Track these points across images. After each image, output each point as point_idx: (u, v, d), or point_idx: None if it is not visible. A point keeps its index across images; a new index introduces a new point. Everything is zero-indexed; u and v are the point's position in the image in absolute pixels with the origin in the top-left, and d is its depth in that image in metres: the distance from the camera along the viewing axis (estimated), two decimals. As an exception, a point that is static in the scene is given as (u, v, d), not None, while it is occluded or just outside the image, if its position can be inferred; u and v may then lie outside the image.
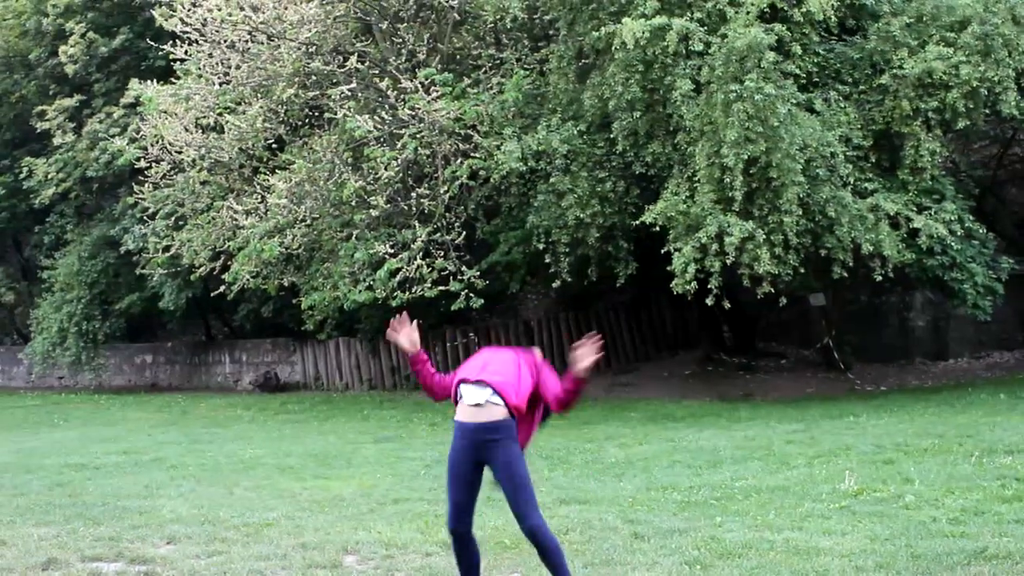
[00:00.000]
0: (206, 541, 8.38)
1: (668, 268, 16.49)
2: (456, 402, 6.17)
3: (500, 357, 6.23)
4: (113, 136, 23.91)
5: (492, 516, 8.99)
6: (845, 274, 16.90)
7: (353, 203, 19.20)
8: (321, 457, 14.02)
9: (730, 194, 15.82)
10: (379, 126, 18.68)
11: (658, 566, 7.07)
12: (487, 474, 6.10)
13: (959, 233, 17.32)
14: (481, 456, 5.94)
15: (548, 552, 5.99)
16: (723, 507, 9.21)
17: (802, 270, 16.79)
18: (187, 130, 21.24)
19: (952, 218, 17.14)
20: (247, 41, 20.48)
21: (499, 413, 5.93)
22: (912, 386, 19.74)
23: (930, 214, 17.09)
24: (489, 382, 5.97)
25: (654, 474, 11.29)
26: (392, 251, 18.60)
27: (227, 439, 16.77)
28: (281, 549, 7.99)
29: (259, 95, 20.80)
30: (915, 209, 17.05)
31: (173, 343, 32.16)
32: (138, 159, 22.00)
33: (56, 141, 26.48)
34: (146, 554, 7.90)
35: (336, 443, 15.64)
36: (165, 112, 21.38)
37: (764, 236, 15.89)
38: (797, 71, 16.75)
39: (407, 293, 18.48)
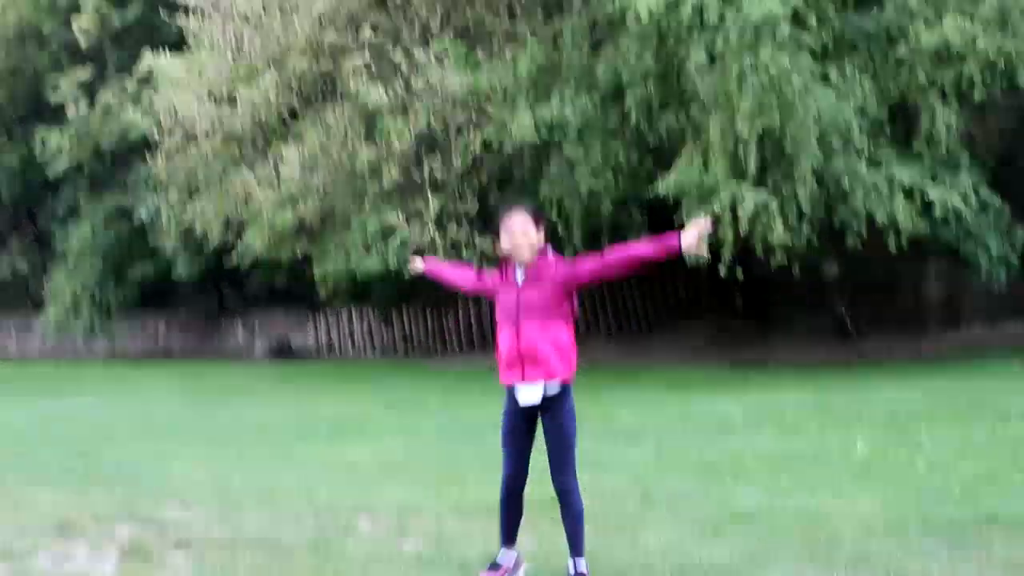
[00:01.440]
0: (219, 505, 8.41)
1: (681, 238, 16.42)
2: (487, 295, 6.22)
3: (535, 294, 5.92)
4: (126, 108, 23.92)
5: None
6: (859, 245, 16.86)
7: (366, 174, 19.19)
8: (334, 423, 14.06)
9: (744, 165, 15.77)
10: (392, 97, 18.64)
11: (669, 531, 7.08)
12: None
13: (974, 204, 17.25)
14: (536, 416, 5.95)
15: (571, 515, 6.02)
16: (735, 473, 9.22)
17: (816, 240, 16.74)
18: (200, 102, 21.22)
19: (967, 189, 17.06)
20: (259, 13, 20.44)
21: (553, 389, 5.90)
22: (925, 354, 19.71)
23: (945, 185, 17.01)
24: (539, 376, 5.84)
25: (666, 440, 11.29)
26: (404, 221, 18.60)
27: (240, 405, 16.84)
28: (293, 512, 8.02)
29: (272, 67, 20.77)
30: (930, 180, 16.98)
31: (186, 311, 32.24)
32: (151, 131, 22.01)
33: (69, 113, 26.52)
34: (160, 517, 7.94)
35: (349, 409, 15.69)
36: (178, 84, 21.37)
37: (778, 207, 15.84)
38: (812, 43, 16.63)
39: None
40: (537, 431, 6.00)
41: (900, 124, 17.65)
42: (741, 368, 19.19)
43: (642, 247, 5.79)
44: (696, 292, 24.34)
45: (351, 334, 26.83)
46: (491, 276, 6.22)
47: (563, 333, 5.91)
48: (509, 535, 6.12)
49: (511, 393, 5.96)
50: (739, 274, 16.49)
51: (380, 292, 25.05)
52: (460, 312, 25.06)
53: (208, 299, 32.11)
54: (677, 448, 10.63)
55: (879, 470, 8.95)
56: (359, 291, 24.51)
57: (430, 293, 24.50)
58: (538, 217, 6.01)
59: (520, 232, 5.92)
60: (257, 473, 9.96)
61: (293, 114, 21.65)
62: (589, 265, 5.90)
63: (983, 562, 5.82)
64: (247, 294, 30.87)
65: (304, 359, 26.77)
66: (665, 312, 24.62)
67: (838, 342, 21.19)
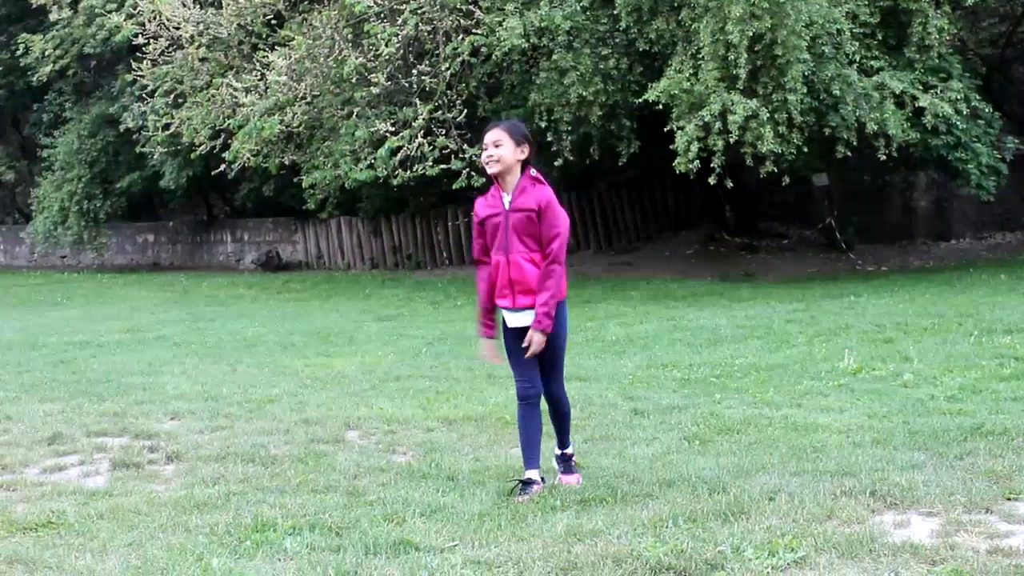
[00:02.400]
0: (209, 417, 8.45)
1: (671, 147, 16.39)
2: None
3: (522, 217, 5.95)
4: (110, 12, 23.54)
5: (494, 393, 9.08)
6: (849, 153, 16.82)
7: (354, 80, 18.99)
8: (323, 335, 14.10)
9: (734, 72, 15.64)
10: (379, 1, 18.40)
11: (657, 441, 7.14)
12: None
13: (965, 112, 17.18)
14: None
15: (560, 415, 6.27)
16: (722, 384, 9.28)
17: (805, 149, 16.68)
18: (185, 5, 20.92)
19: (958, 97, 16.98)
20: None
21: None
22: (913, 266, 19.76)
23: (936, 93, 16.93)
24: (528, 303, 5.91)
25: (654, 352, 11.35)
26: (393, 129, 18.46)
27: (229, 317, 16.86)
28: (284, 424, 8.07)
29: (257, -32, 20.46)
30: (921, 88, 16.89)
31: (175, 222, 32.13)
32: (136, 35, 21.71)
33: (52, 17, 26.08)
34: (150, 429, 7.98)
35: (338, 321, 15.72)
36: (162, -14, 21.06)
37: (768, 115, 15.76)
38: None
39: (408, 172, 18.39)
40: None
41: (892, 30, 17.50)
42: (730, 281, 19.24)
43: (540, 292, 5.88)
44: (686, 205, 24.32)
45: (340, 245, 26.77)
46: (480, 210, 6.16)
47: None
48: (533, 456, 6.13)
49: (504, 323, 6.13)
50: (728, 184, 16.44)
51: (369, 202, 24.97)
52: (450, 223, 25.00)
53: (196, 210, 31.99)
54: (665, 360, 10.69)
55: (866, 382, 9.01)
56: (348, 201, 24.43)
57: (419, 203, 24.45)
58: (518, 135, 6.00)
59: (491, 143, 5.96)
60: (247, 385, 10.00)
61: (279, 18, 21.36)
62: (548, 235, 5.93)
63: (968, 472, 5.87)
64: (235, 205, 30.76)
65: (293, 271, 26.76)
66: (654, 225, 24.61)
67: (827, 254, 21.23)
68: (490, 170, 6.00)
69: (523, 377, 6.06)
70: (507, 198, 6.01)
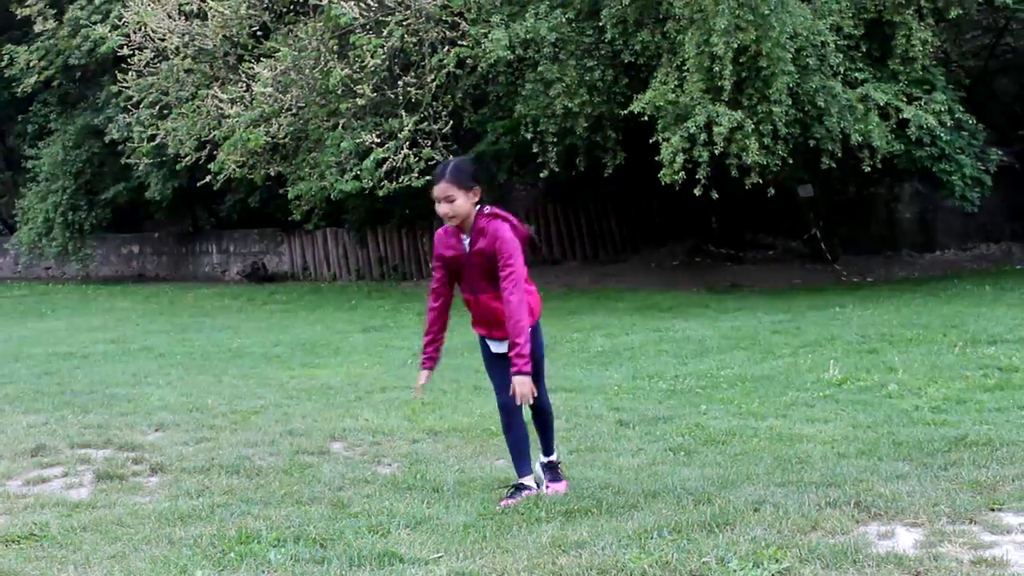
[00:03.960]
0: (194, 428, 8.43)
1: (656, 158, 16.41)
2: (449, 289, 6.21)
3: (483, 259, 5.94)
4: (95, 23, 23.54)
5: (479, 404, 9.07)
6: (834, 165, 16.86)
7: (339, 92, 18.99)
8: (309, 346, 14.08)
9: (719, 83, 15.68)
10: (365, 13, 18.40)
11: (643, 452, 7.14)
12: None
13: (948, 124, 17.25)
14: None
15: (543, 420, 6.30)
16: (708, 395, 9.29)
17: (790, 161, 16.73)
18: (170, 17, 20.88)
19: (942, 108, 17.05)
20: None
21: None
22: (898, 277, 19.81)
23: (920, 104, 16.99)
24: (503, 335, 5.93)
25: (640, 363, 11.36)
26: (379, 140, 18.45)
27: (215, 328, 16.82)
28: (269, 436, 8.05)
29: (243, -20, 20.45)
30: (905, 99, 16.95)
31: (160, 233, 32.04)
32: (121, 46, 21.69)
33: (37, 28, 26.02)
34: (135, 441, 7.95)
35: (324, 332, 15.70)
36: (147, -3, 21.05)
37: (753, 126, 15.79)
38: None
39: (394, 183, 18.39)
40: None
41: (876, 42, 17.57)
42: (716, 291, 19.26)
43: (507, 321, 5.82)
44: (672, 216, 24.33)
45: (326, 256, 26.73)
46: (440, 247, 6.12)
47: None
48: (524, 463, 6.17)
49: (482, 338, 6.23)
50: (714, 195, 16.46)
51: (355, 213, 24.94)
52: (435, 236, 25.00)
53: (182, 221, 31.90)
54: (651, 371, 10.70)
55: (851, 392, 9.04)
56: (334, 212, 24.40)
57: (405, 215, 24.43)
58: (466, 181, 5.88)
59: (442, 198, 5.88)
60: (232, 397, 9.98)
61: (265, 30, 21.36)
62: (500, 272, 5.86)
63: (952, 483, 5.88)
64: (221, 216, 30.69)
65: (279, 282, 26.70)
66: (640, 236, 24.62)
67: (812, 265, 21.27)
68: (452, 223, 5.96)
69: (503, 388, 6.04)
70: (466, 239, 5.99)
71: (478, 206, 5.95)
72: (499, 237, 5.87)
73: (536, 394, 5.88)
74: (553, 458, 6.34)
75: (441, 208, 5.89)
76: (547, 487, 6.20)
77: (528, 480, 6.13)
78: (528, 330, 5.83)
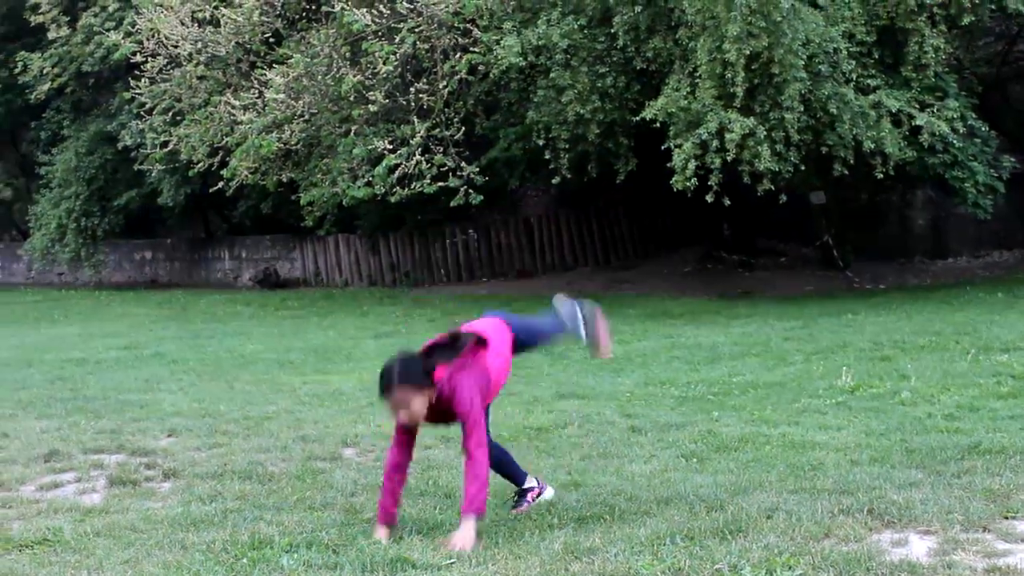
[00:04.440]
0: (207, 434, 8.44)
1: (668, 165, 16.40)
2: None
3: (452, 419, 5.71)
4: (108, 30, 23.61)
5: (490, 411, 9.05)
6: (846, 172, 16.82)
7: (351, 98, 19.03)
8: (321, 352, 14.09)
9: (731, 90, 15.67)
10: (377, 20, 18.44)
11: (655, 459, 7.13)
12: None
13: (961, 131, 17.20)
14: None
15: (502, 465, 6.15)
16: (720, 402, 9.28)
17: (803, 167, 16.70)
18: (183, 24, 20.96)
19: (955, 115, 17.00)
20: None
21: None
22: (911, 284, 19.77)
23: (932, 111, 16.95)
24: None
25: (652, 370, 11.35)
26: (391, 147, 18.48)
27: (227, 334, 16.84)
28: (281, 441, 8.06)
29: (254, -13, 20.51)
30: (917, 106, 16.91)
31: (172, 240, 32.12)
32: (134, 53, 21.76)
33: (50, 35, 26.15)
34: (147, 446, 7.97)
35: (336, 338, 15.71)
36: (160, 5, 21.11)
37: (765, 133, 15.78)
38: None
39: (406, 189, 18.42)
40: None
41: (888, 48, 17.54)
42: (728, 298, 19.24)
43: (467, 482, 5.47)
44: (684, 223, 24.32)
45: (338, 263, 26.75)
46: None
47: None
48: (516, 472, 6.18)
49: None
50: (726, 201, 16.44)
51: (367, 219, 24.97)
52: (448, 241, 25.02)
53: (194, 227, 31.97)
54: (663, 378, 10.68)
55: (864, 399, 9.01)
56: (346, 218, 24.44)
57: (417, 221, 24.46)
58: (416, 380, 5.51)
59: (399, 409, 5.57)
60: (244, 402, 9.99)
61: (277, 36, 21.42)
62: (462, 422, 5.56)
63: (965, 491, 5.86)
64: (233, 222, 30.75)
65: (291, 288, 26.74)
66: (652, 242, 24.62)
67: (824, 272, 21.23)
68: (417, 423, 5.66)
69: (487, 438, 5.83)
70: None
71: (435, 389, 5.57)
72: (456, 397, 5.55)
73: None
74: (525, 485, 6.18)
75: (400, 416, 5.57)
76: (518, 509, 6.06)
77: (528, 482, 6.18)
78: (482, 503, 5.45)
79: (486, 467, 5.52)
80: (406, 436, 5.75)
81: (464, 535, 5.30)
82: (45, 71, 26.35)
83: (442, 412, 5.63)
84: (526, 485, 6.18)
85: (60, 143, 29.42)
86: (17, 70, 27.00)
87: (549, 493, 6.25)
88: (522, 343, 6.13)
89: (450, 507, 6.07)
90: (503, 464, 6.17)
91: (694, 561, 4.82)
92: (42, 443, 8.10)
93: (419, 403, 5.52)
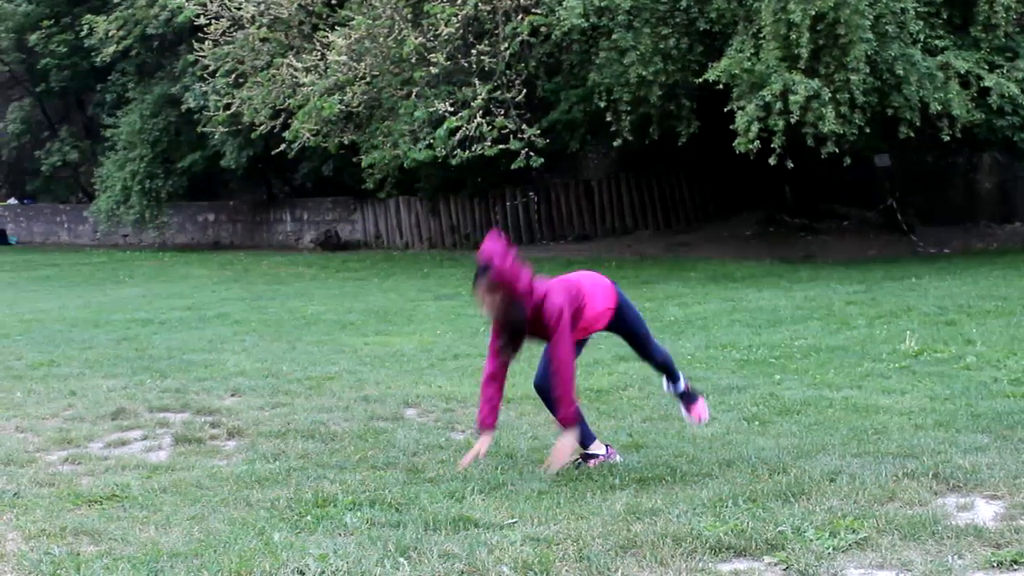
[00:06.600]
0: (270, 393, 8.52)
1: (731, 127, 16.28)
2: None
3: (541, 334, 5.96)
4: (172, -8, 23.76)
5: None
6: (912, 134, 16.60)
7: (413, 60, 19.05)
8: (382, 314, 14.16)
9: (796, 51, 15.51)
10: (440, -19, 18.41)
11: (716, 422, 7.11)
12: None
13: (1031, 92, 16.92)
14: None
15: (663, 365, 6.49)
16: (782, 366, 9.22)
17: (867, 130, 16.50)
18: (246, -14, 21.08)
19: (1025, 77, 16.73)
20: None
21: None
22: (976, 249, 19.51)
23: (1002, 72, 16.68)
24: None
25: (713, 333, 11.30)
26: (452, 109, 18.49)
27: (289, 296, 16.97)
28: (343, 402, 8.12)
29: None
30: (987, 67, 16.65)
31: (235, 202, 32.38)
32: (197, 16, 21.91)
33: (115, -2, 26.39)
34: (212, 405, 8.06)
35: (397, 300, 15.78)
36: (223, -33, 21.23)
37: (830, 95, 15.60)
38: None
39: (466, 152, 18.42)
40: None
41: (957, 8, 17.25)
42: (790, 262, 19.09)
43: (555, 392, 5.84)
44: (745, 185, 24.11)
45: (399, 225, 26.83)
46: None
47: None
48: (586, 434, 6.19)
49: None
50: (789, 164, 16.30)
51: (427, 182, 24.99)
52: (508, 203, 24.99)
53: (256, 190, 32.20)
54: (724, 341, 10.63)
55: (928, 364, 8.91)
56: (406, 180, 24.48)
57: (477, 183, 24.45)
58: (498, 281, 5.76)
59: (482, 304, 5.92)
60: (306, 363, 10.08)
61: (340, -2, 21.46)
62: (551, 338, 5.83)
63: (1032, 457, 5.80)
64: (295, 184, 30.92)
65: (352, 250, 26.87)
66: (713, 205, 24.46)
67: (888, 236, 20.99)
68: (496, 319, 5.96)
69: (539, 370, 6.13)
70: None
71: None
72: (546, 305, 5.81)
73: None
74: (680, 385, 6.50)
75: (481, 311, 6.03)
76: (690, 414, 6.50)
77: (595, 448, 6.19)
78: (572, 398, 5.81)
79: (572, 372, 5.82)
80: (497, 344, 6.07)
81: (558, 452, 5.81)
82: (110, 34, 26.56)
83: (532, 323, 5.86)
84: (591, 450, 6.17)
85: (125, 106, 29.69)
86: (83, 33, 27.24)
87: (616, 459, 6.23)
88: (623, 318, 6.21)
89: (511, 467, 6.09)
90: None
91: (756, 523, 4.80)
92: (109, 401, 8.22)
93: (495, 301, 5.86)
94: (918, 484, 5.33)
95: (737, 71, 16.12)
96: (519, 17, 18.42)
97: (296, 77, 20.26)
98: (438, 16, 18.28)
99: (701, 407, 6.52)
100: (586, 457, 6.13)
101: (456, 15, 18.22)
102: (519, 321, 5.84)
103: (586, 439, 6.18)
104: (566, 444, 5.83)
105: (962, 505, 5.07)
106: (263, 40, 21.94)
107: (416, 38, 18.58)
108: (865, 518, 4.82)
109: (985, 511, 4.98)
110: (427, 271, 20.71)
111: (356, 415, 7.64)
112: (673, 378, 6.50)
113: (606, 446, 6.26)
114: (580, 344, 6.15)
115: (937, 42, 16.71)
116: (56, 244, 35.78)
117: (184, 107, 25.52)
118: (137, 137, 28.38)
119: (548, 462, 5.88)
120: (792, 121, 15.63)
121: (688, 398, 6.53)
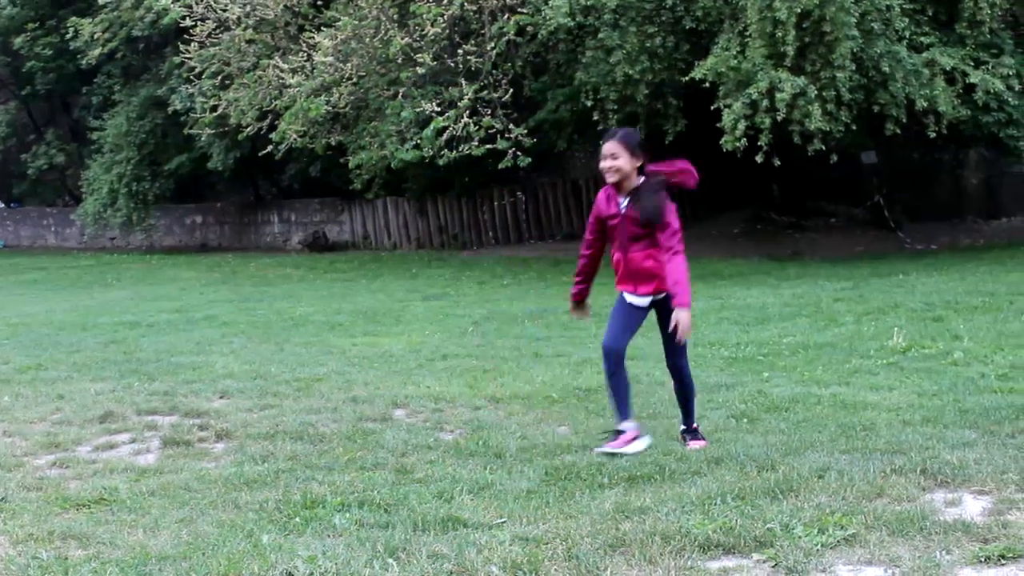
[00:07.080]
0: (258, 395, 8.50)
1: (718, 125, 16.30)
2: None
3: (638, 218, 6.42)
4: (157, -6, 23.71)
5: (540, 371, 9.08)
6: (898, 131, 16.64)
7: (399, 60, 19.04)
8: (370, 314, 14.15)
9: (782, 49, 15.53)
10: (425, -19, 18.40)
11: (705, 419, 7.11)
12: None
13: (1016, 88, 16.96)
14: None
15: (683, 389, 6.68)
16: (770, 363, 9.23)
17: (854, 127, 16.53)
18: (231, -13, 21.03)
19: (1010, 73, 16.78)
20: None
21: (663, 294, 6.41)
22: (963, 244, 19.56)
23: (987, 69, 16.72)
24: (648, 291, 6.42)
25: (702, 331, 11.29)
26: (439, 109, 18.48)
27: (277, 297, 16.96)
28: (332, 403, 8.11)
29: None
30: (972, 64, 16.69)
31: (222, 204, 32.34)
32: (183, 18, 21.86)
33: (101, 0, 26.30)
34: (200, 407, 8.04)
35: (385, 301, 15.77)
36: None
37: (816, 92, 15.63)
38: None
39: (454, 152, 18.41)
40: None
41: (942, 5, 17.29)
42: (777, 259, 19.12)
43: (670, 279, 6.29)
44: (733, 183, 24.11)
45: (386, 225, 26.83)
46: (600, 206, 6.56)
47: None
48: (623, 409, 6.48)
49: (622, 295, 6.51)
50: (776, 162, 16.32)
51: (415, 182, 24.99)
52: (496, 203, 25.00)
53: (244, 191, 32.16)
54: (713, 339, 10.64)
55: (915, 360, 8.94)
56: (394, 181, 24.47)
57: (465, 183, 24.45)
58: (632, 146, 6.36)
59: (608, 155, 6.35)
60: (295, 364, 10.06)
61: (326, -1, 21.44)
62: (661, 237, 6.33)
63: (1020, 451, 5.81)
64: (282, 185, 30.89)
65: (340, 251, 26.86)
66: (701, 204, 24.44)
67: (875, 232, 21.04)
68: (609, 180, 6.41)
69: (608, 332, 6.48)
70: (624, 202, 6.44)
71: (641, 176, 6.39)
72: (661, 207, 6.35)
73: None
74: (620, 425, 6.50)
75: (605, 163, 6.37)
76: (688, 445, 6.45)
77: (626, 425, 6.38)
78: (688, 284, 6.27)
79: (685, 266, 6.30)
80: (595, 233, 6.66)
81: (684, 324, 6.17)
82: (96, 36, 26.49)
83: (632, 220, 6.38)
84: (620, 426, 6.39)
85: (111, 108, 29.64)
86: (68, 35, 27.18)
87: (642, 444, 6.36)
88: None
89: (500, 467, 6.09)
90: (621, 388, 6.49)
91: (745, 520, 4.81)
92: (97, 405, 8.20)
93: (626, 162, 6.35)
94: (906, 480, 5.34)
95: (723, 69, 16.14)
96: (505, 17, 18.41)
97: (283, 78, 20.23)
98: (424, 16, 18.27)
99: (701, 444, 6.53)
100: (617, 433, 6.37)
101: (442, 15, 18.21)
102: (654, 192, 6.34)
103: (622, 409, 6.46)
104: (684, 316, 6.16)
105: (950, 501, 5.08)
106: (249, 42, 21.90)
107: (402, 38, 18.57)
108: (853, 514, 4.83)
109: (973, 506, 4.99)
110: (415, 271, 20.70)
111: (344, 416, 7.63)
112: (687, 419, 6.69)
113: (636, 425, 6.46)
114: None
115: (922, 39, 16.75)
116: (43, 247, 35.70)
117: (170, 109, 25.48)
118: (124, 139, 28.33)
119: (680, 335, 6.20)
120: (779, 119, 15.66)
121: (694, 433, 6.64)
